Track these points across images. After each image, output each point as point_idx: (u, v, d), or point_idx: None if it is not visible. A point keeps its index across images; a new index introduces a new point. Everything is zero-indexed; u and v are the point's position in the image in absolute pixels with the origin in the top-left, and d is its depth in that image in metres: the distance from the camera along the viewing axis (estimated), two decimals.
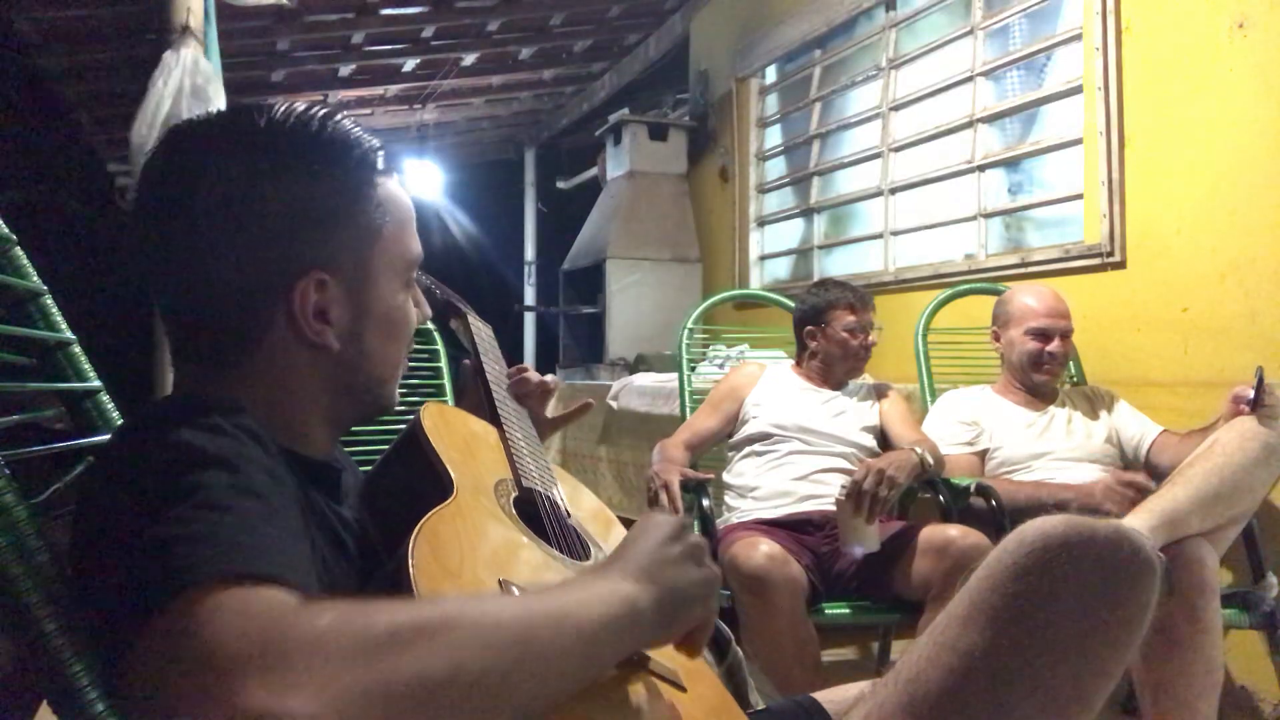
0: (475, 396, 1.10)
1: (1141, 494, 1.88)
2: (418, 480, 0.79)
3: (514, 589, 0.68)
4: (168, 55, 2.62)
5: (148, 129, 2.55)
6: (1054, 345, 2.28)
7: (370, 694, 0.45)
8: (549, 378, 1.18)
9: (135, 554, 0.53)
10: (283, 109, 0.72)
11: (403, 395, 0.83)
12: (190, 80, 2.57)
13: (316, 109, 0.73)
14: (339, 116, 0.74)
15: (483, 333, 1.16)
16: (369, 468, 0.90)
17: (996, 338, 2.40)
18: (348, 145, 0.73)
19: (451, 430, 0.88)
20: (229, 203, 0.68)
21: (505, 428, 0.98)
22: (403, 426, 0.87)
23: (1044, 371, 2.29)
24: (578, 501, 0.96)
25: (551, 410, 1.21)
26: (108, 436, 0.71)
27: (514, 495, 0.86)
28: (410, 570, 0.61)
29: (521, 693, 0.52)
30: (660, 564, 0.65)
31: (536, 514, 0.85)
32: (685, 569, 0.67)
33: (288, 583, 0.51)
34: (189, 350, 0.73)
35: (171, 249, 0.70)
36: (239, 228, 0.68)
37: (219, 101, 2.63)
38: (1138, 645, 0.75)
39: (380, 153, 0.76)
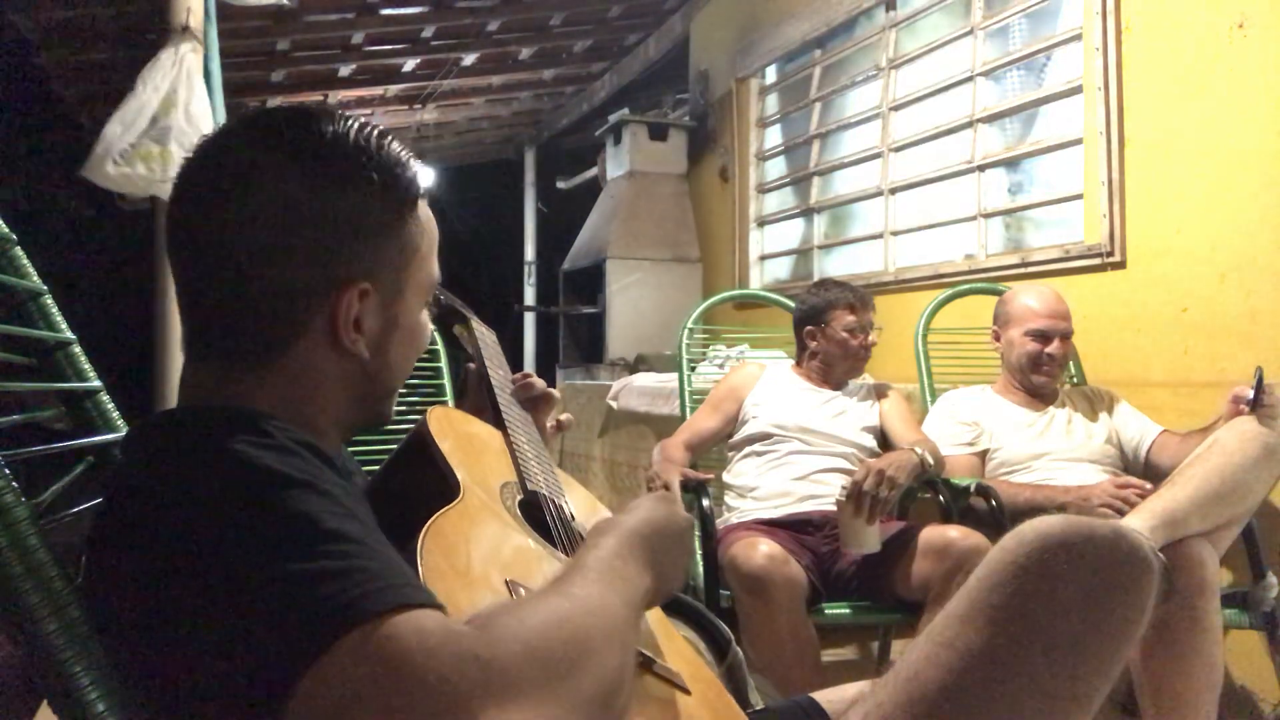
0: (477, 400, 1.11)
1: (1140, 497, 1.88)
2: (424, 482, 0.79)
3: (520, 590, 0.68)
4: (163, 55, 2.59)
5: (121, 129, 2.50)
6: (1053, 347, 2.27)
7: (571, 716, 0.50)
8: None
9: (260, 597, 0.51)
10: (343, 121, 0.74)
11: (403, 396, 0.83)
12: (184, 95, 2.53)
13: (373, 127, 0.75)
14: (391, 137, 0.76)
15: (486, 338, 1.17)
16: (373, 469, 0.90)
17: (996, 337, 2.40)
18: (401, 166, 0.75)
19: (457, 433, 0.88)
20: (289, 206, 0.69)
21: (510, 432, 0.98)
22: (406, 431, 0.88)
23: (1043, 373, 2.29)
24: (581, 504, 0.96)
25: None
26: (134, 441, 0.68)
27: (519, 498, 0.86)
28: (419, 568, 0.61)
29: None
30: (664, 553, 0.73)
31: (541, 517, 0.85)
32: (674, 565, 0.76)
33: (433, 604, 0.53)
34: (214, 347, 0.72)
35: (220, 245, 0.69)
36: (295, 232, 0.69)
37: (204, 122, 2.57)
38: (1135, 644, 0.75)
39: (419, 181, 0.79)
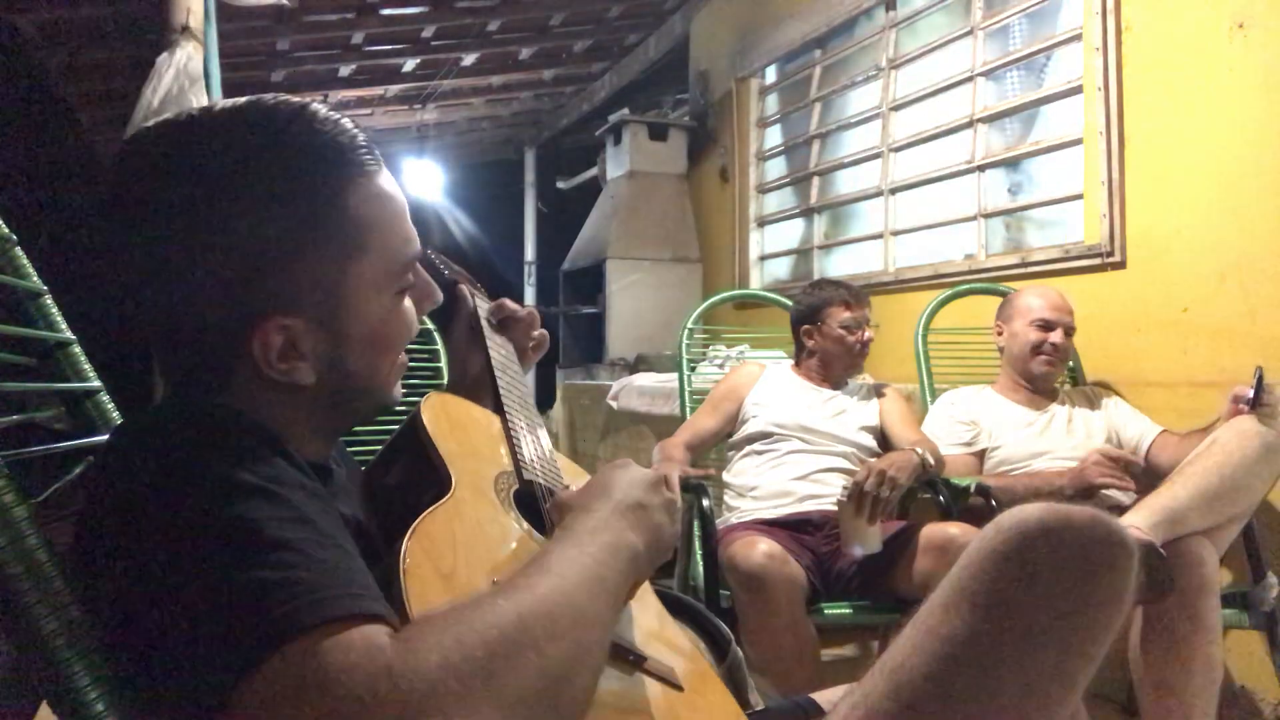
0: (461, 329, 1.09)
1: (1130, 468, 1.95)
2: (416, 475, 0.78)
3: None
4: (160, 60, 2.59)
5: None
6: (1056, 335, 2.29)
7: (498, 716, 0.50)
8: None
9: (196, 610, 0.51)
10: (234, 119, 0.66)
11: (404, 394, 0.82)
12: (176, 84, 2.53)
13: (279, 114, 0.67)
14: (304, 119, 0.67)
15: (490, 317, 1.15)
16: (369, 460, 0.89)
17: (1000, 333, 2.41)
18: (311, 159, 0.66)
19: (452, 422, 0.87)
20: (181, 243, 0.64)
21: (508, 416, 0.96)
22: (405, 418, 0.86)
23: (1044, 362, 2.30)
24: None
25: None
26: (109, 444, 0.67)
27: (514, 488, 0.85)
28: (401, 574, 0.60)
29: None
30: (649, 511, 0.73)
31: (536, 507, 0.84)
32: (665, 519, 0.75)
33: (377, 617, 0.53)
34: (166, 368, 0.71)
35: (128, 275, 0.66)
36: (195, 268, 0.64)
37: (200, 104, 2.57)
38: (1118, 627, 0.76)
39: (358, 154, 0.69)
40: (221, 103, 0.69)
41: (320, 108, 0.69)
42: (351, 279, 0.69)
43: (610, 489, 0.73)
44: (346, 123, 0.69)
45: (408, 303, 0.76)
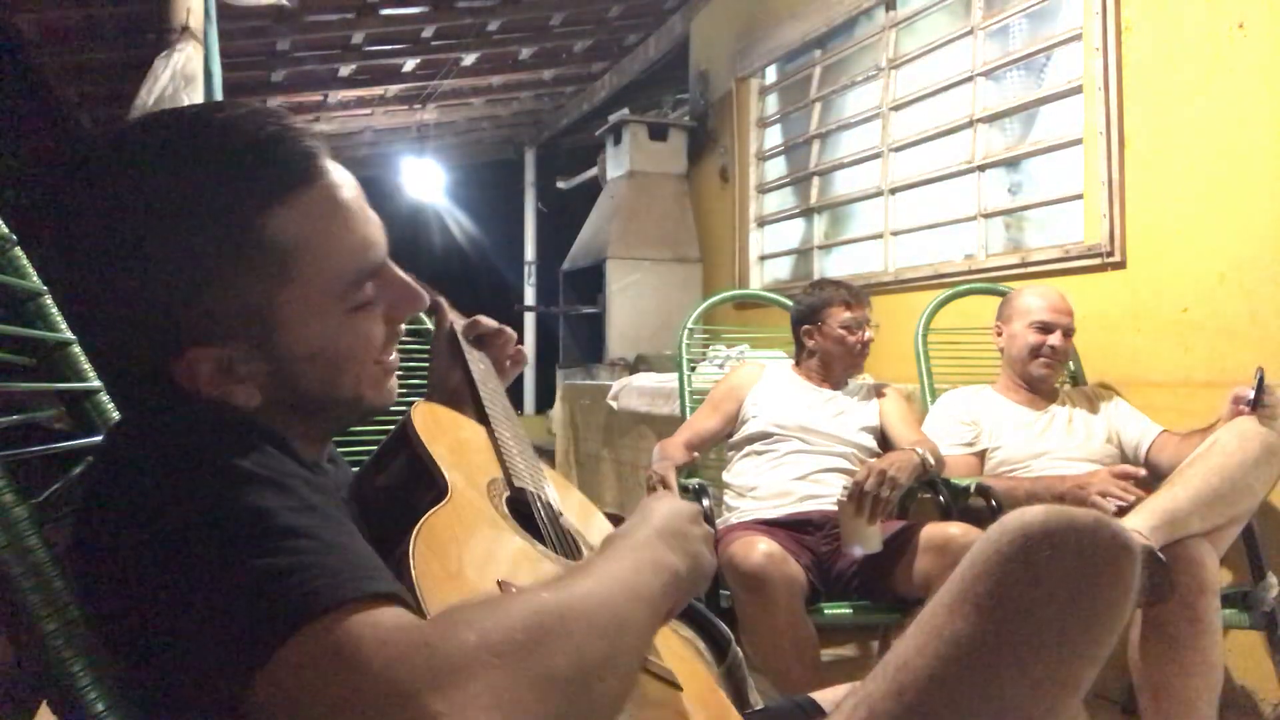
0: (439, 345, 1.09)
1: (1139, 485, 1.90)
2: (411, 479, 0.78)
3: (512, 589, 0.68)
4: (157, 61, 2.58)
5: None
6: (1054, 338, 2.29)
7: (532, 695, 0.49)
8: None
9: (214, 597, 0.51)
10: (146, 137, 0.64)
11: (401, 395, 0.81)
12: (171, 85, 2.52)
13: (192, 129, 0.64)
14: (223, 133, 0.63)
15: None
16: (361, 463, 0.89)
17: (999, 333, 2.41)
18: (223, 181, 0.62)
19: (442, 429, 0.87)
20: (81, 267, 0.63)
21: (494, 427, 0.97)
22: (396, 422, 0.87)
23: (1042, 364, 2.30)
24: (565, 499, 0.96)
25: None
26: (106, 442, 0.66)
27: (506, 495, 0.86)
28: (412, 571, 0.60)
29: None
30: (689, 540, 0.73)
31: (529, 513, 0.85)
32: (705, 549, 0.75)
33: (399, 598, 0.53)
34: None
35: (68, 309, 0.67)
36: (95, 298, 0.64)
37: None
38: (1120, 629, 0.76)
39: (286, 168, 0.64)
40: (145, 117, 0.67)
41: (249, 113, 0.64)
42: (282, 305, 0.65)
43: (651, 515, 0.73)
44: (277, 129, 0.64)
45: (370, 313, 0.71)
